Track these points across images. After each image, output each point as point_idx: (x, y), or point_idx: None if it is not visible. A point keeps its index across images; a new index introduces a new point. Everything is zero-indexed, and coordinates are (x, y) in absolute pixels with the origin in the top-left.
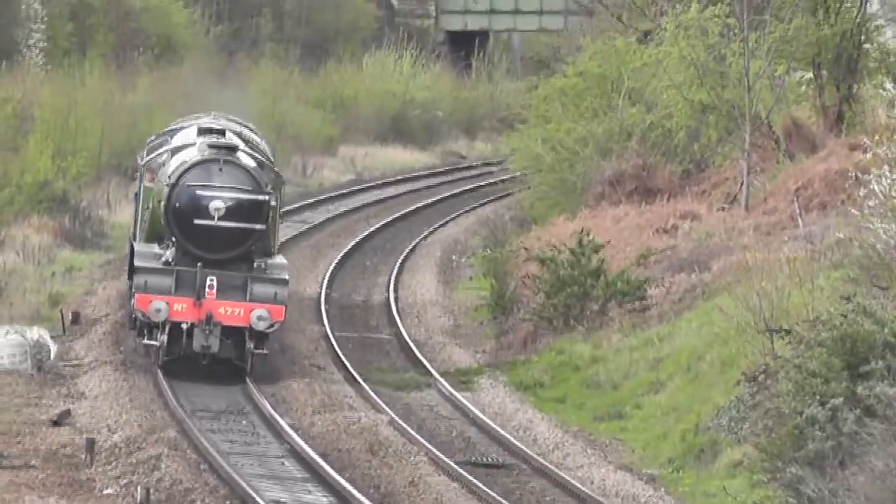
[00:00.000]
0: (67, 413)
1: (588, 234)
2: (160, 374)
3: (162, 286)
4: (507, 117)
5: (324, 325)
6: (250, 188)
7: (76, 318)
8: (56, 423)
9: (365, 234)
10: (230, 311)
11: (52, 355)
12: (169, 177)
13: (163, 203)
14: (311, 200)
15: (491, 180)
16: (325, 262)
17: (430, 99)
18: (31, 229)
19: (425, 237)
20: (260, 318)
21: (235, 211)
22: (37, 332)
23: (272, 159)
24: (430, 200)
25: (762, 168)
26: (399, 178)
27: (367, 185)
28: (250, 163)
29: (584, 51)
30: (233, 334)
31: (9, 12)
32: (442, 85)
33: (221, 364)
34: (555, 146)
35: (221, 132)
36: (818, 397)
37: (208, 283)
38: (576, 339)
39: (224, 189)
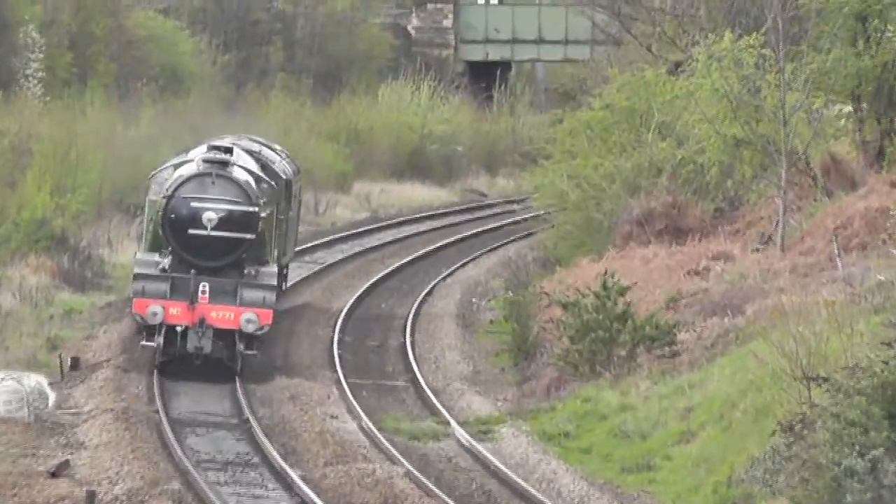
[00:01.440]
0: (66, 464)
1: (613, 276)
2: (164, 422)
3: (158, 291)
4: (530, 152)
5: (336, 371)
6: (241, 200)
7: (75, 363)
8: (54, 474)
9: (381, 275)
10: (221, 315)
11: (50, 403)
12: (166, 189)
13: (160, 213)
14: (325, 240)
15: (513, 219)
16: (339, 304)
17: (449, 132)
18: (28, 269)
19: (444, 278)
20: (249, 321)
21: (227, 222)
22: (34, 379)
23: (289, 179)
24: (449, 240)
25: (799, 206)
26: (416, 216)
27: (382, 223)
28: (242, 177)
29: (611, 82)
30: (224, 336)
31: (6, 41)
32: (461, 118)
33: (214, 364)
34: (580, 183)
35: (228, 150)
36: (857, 448)
37: (201, 288)
38: (602, 387)
39: (216, 201)
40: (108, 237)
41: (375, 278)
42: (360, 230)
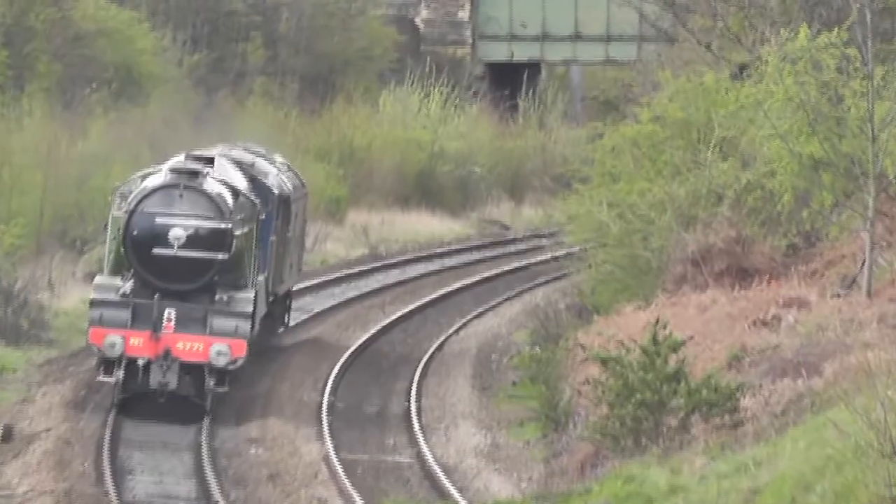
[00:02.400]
0: None
1: (665, 327)
2: None
3: (118, 319)
4: (563, 175)
5: (326, 444)
6: (212, 215)
7: (8, 433)
8: None
9: (380, 325)
10: (189, 346)
11: None
12: (128, 203)
13: (121, 231)
14: (314, 282)
15: (542, 257)
16: (329, 362)
17: (465, 150)
18: None
19: (457, 331)
20: (219, 353)
21: (196, 240)
22: None
23: (286, 195)
24: (463, 283)
25: (889, 242)
26: (424, 253)
27: (383, 262)
28: (215, 189)
29: (662, 89)
30: (192, 370)
31: None
32: (480, 132)
33: (179, 401)
34: (624, 213)
35: (208, 159)
36: None
37: (166, 315)
38: (648, 463)
39: (184, 216)
40: (49, 278)
41: (374, 330)
42: (355, 270)
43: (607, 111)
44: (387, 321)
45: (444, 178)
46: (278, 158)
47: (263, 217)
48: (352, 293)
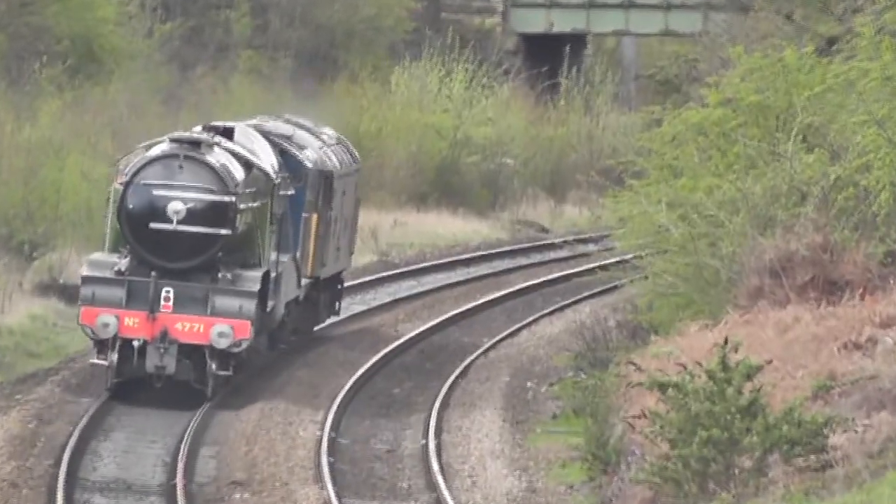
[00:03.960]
0: None
1: (736, 350)
2: None
3: (111, 298)
4: (612, 168)
5: (326, 489)
6: (215, 188)
7: None
8: None
9: (392, 346)
10: (188, 327)
11: None
12: (124, 174)
13: (116, 204)
14: None
15: (588, 265)
16: (331, 389)
17: (495, 139)
18: None
19: (485, 352)
20: (221, 334)
21: (197, 214)
22: None
23: (327, 171)
24: (493, 296)
25: None
26: (445, 261)
27: (396, 270)
28: (220, 160)
29: (733, 67)
30: (192, 353)
31: None
32: (513, 117)
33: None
34: (687, 214)
35: (227, 130)
36: None
37: (164, 294)
38: None
39: (184, 189)
40: None
41: (385, 351)
42: (363, 280)
43: (667, 93)
44: (400, 341)
45: (470, 172)
46: (328, 132)
47: (292, 192)
48: (358, 307)
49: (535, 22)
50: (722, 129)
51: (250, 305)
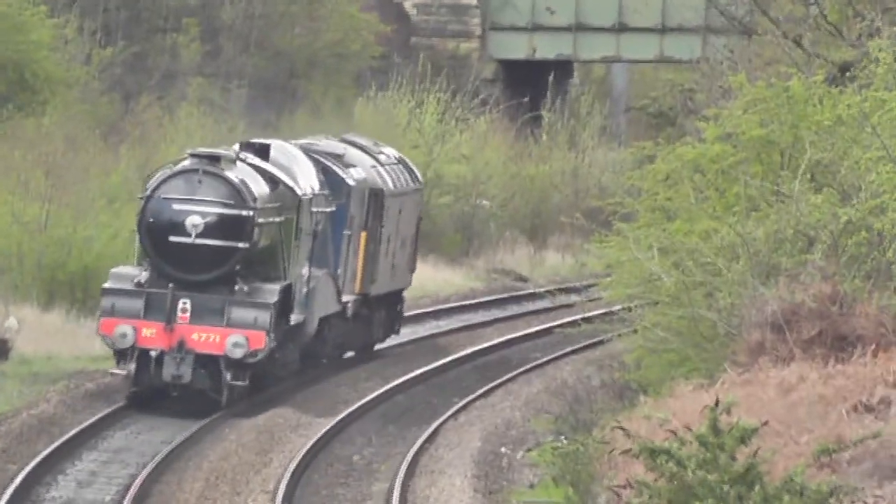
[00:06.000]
0: None
1: (729, 411)
2: None
3: (130, 309)
4: (600, 210)
5: None
6: (233, 202)
7: None
8: None
9: (354, 407)
10: (204, 338)
11: None
12: (145, 189)
13: (137, 218)
14: None
15: (570, 317)
16: (284, 455)
17: (470, 177)
18: None
19: (455, 415)
20: (236, 344)
21: (215, 227)
22: None
23: (377, 188)
24: (465, 352)
25: None
26: (412, 313)
27: None
28: (238, 175)
29: (734, 97)
30: (208, 363)
31: None
32: (490, 153)
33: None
34: (682, 260)
35: (263, 147)
36: None
37: (181, 306)
38: None
39: (203, 203)
40: None
41: (345, 413)
42: None
43: (660, 126)
44: (361, 402)
45: (441, 215)
46: (387, 151)
47: (332, 209)
48: (316, 363)
49: (516, 47)
50: (721, 166)
51: (265, 317)
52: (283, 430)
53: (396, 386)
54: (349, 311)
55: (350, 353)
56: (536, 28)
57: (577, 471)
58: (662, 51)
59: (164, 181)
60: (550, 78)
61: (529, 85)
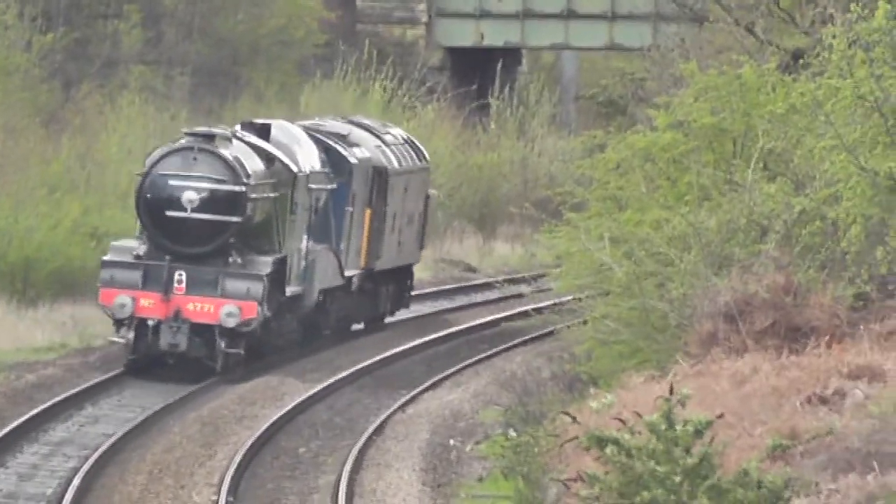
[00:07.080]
0: None
1: (683, 403)
2: None
3: (128, 280)
4: (549, 200)
5: None
6: (227, 178)
7: None
8: None
9: (299, 400)
10: (199, 308)
11: None
12: (144, 166)
13: (135, 193)
14: None
15: (520, 308)
16: (228, 448)
17: None
18: None
19: (403, 407)
20: (230, 314)
21: (210, 202)
22: None
23: (380, 167)
24: (412, 344)
25: None
26: None
27: None
28: (232, 153)
29: (686, 85)
30: (203, 332)
31: None
32: (437, 142)
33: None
34: (633, 250)
35: (264, 127)
36: None
37: (177, 277)
38: None
39: (198, 179)
40: None
41: (290, 405)
42: None
43: (611, 115)
44: (307, 394)
45: None
46: (394, 131)
47: (333, 186)
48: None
49: (464, 34)
50: (672, 155)
51: (258, 288)
52: (227, 421)
53: (343, 378)
54: (354, 285)
55: (358, 326)
56: (484, 15)
57: (526, 463)
58: (612, 38)
59: (161, 158)
60: (499, 66)
61: (477, 72)
